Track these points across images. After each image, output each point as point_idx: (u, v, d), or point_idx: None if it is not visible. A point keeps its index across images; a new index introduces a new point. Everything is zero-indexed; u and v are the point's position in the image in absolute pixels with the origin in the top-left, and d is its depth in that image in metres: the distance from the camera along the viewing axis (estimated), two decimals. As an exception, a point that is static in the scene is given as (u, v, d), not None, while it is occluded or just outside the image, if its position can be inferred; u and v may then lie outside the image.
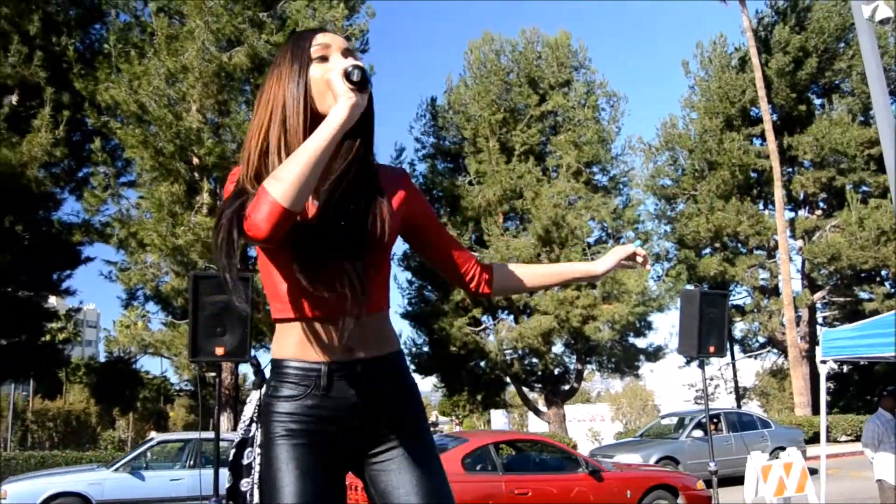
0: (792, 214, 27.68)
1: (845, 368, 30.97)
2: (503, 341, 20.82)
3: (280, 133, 1.62)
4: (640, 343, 23.06)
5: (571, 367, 23.47)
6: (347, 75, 1.55)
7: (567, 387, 23.37)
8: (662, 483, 8.98)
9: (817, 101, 27.83)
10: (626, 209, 22.31)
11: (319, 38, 1.68)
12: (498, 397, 25.19)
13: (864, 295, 26.44)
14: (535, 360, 22.05)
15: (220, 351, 6.30)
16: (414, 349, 22.82)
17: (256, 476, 1.71)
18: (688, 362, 27.35)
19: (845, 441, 20.99)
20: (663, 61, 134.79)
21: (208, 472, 10.13)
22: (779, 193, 24.41)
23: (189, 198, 16.44)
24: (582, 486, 8.12)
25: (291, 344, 1.70)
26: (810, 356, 23.48)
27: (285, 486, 1.61)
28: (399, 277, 25.90)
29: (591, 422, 27.75)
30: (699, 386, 29.77)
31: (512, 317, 22.33)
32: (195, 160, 16.46)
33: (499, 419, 35.20)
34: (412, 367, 22.89)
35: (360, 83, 1.54)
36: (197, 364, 9.22)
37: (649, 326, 22.51)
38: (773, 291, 27.11)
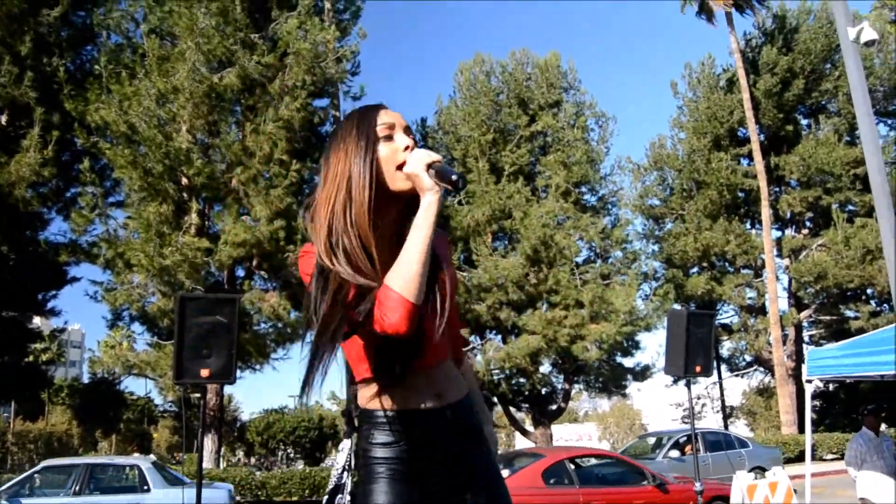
0: (779, 233, 27.89)
1: (831, 387, 31.08)
2: (490, 361, 20.81)
3: (347, 208, 1.69)
4: (628, 362, 23.12)
5: (559, 386, 23.47)
6: (440, 174, 1.67)
7: (554, 406, 23.34)
8: (721, 495, 9.50)
9: (804, 122, 28.10)
10: (615, 229, 22.41)
11: (383, 118, 1.77)
12: (486, 417, 25.13)
13: (850, 313, 26.59)
14: (522, 379, 22.02)
15: (205, 373, 6.29)
16: (401, 368, 22.77)
17: None
18: (675, 381, 27.35)
19: (831, 459, 21.00)
20: (652, 82, 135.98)
21: (94, 500, 10.00)
22: (766, 213, 24.58)
23: (177, 218, 16.44)
24: (650, 498, 8.63)
25: (382, 394, 1.77)
26: (797, 375, 23.52)
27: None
28: (388, 296, 25.88)
29: (579, 441, 27.66)
30: (686, 405, 29.78)
31: (500, 336, 22.32)
32: (184, 180, 16.48)
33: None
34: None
35: (457, 185, 1.68)
36: (182, 386, 9.18)
37: (637, 346, 22.56)
38: (760, 310, 27.22)
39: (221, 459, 18.26)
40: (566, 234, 21.01)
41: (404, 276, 1.59)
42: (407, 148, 1.73)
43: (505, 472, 7.96)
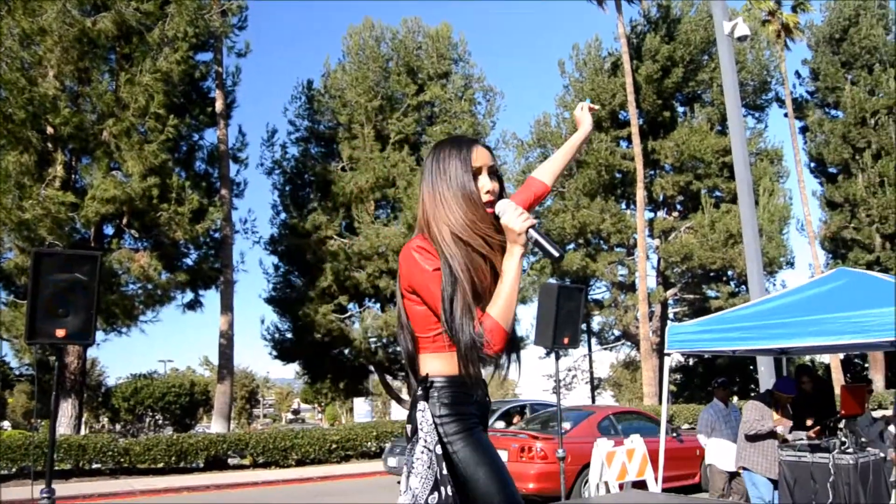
0: (651, 215, 29.07)
1: (691, 362, 32.97)
2: (368, 329, 20.81)
3: (465, 222, 2.02)
4: (503, 333, 23.59)
5: (436, 356, 23.73)
6: (541, 242, 2.00)
7: (431, 375, 23.63)
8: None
9: (680, 109, 29.30)
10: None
11: (476, 156, 2.07)
12: (361, 385, 25.18)
13: (711, 293, 28.12)
14: (399, 348, 22.11)
15: (61, 333, 5.91)
16: (277, 335, 22.41)
17: (447, 461, 2.00)
18: (547, 353, 28.23)
19: (687, 429, 22.28)
20: (541, 60, 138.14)
21: None
22: (640, 194, 25.55)
23: (40, 169, 15.46)
24: (671, 445, 9.85)
25: (452, 366, 2.05)
26: (660, 349, 24.76)
27: (488, 448, 2.06)
28: (265, 262, 25.41)
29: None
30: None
31: (378, 305, 22.34)
32: (49, 130, 15.48)
33: (361, 407, 35.16)
34: (274, 353, 22.62)
35: (553, 258, 2.05)
36: (38, 347, 8.67)
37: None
38: (630, 287, 28.40)
39: (83, 426, 17.47)
40: (449, 205, 21.17)
41: (505, 314, 1.95)
42: (489, 192, 2.04)
43: (566, 425, 10.36)
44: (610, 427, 10.86)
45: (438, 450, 1.96)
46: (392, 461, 12.79)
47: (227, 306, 19.74)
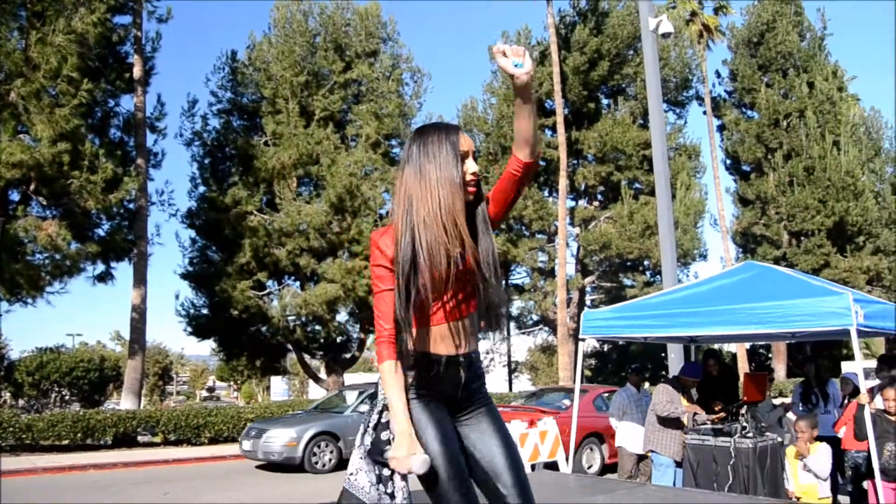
0: (573, 203, 29.55)
1: (606, 347, 33.80)
2: (287, 307, 20.53)
3: (442, 204, 2.20)
4: (424, 315, 23.60)
5: (354, 335, 23.63)
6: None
7: (348, 355, 23.52)
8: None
9: (605, 101, 29.78)
10: (421, 184, 22.68)
11: (463, 141, 2.26)
12: (278, 363, 24.84)
13: (627, 282, 28.85)
14: (318, 327, 21.94)
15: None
16: (192, 311, 21.87)
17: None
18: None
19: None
20: (470, 45, 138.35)
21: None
22: (563, 183, 25.91)
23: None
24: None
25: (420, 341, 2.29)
26: (576, 335, 25.20)
27: (426, 423, 2.25)
28: (181, 235, 24.74)
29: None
30: (476, 360, 31.03)
31: (298, 283, 22.06)
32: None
33: (278, 385, 34.77)
34: (189, 329, 22.09)
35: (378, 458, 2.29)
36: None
37: (432, 301, 23.11)
38: (550, 273, 28.85)
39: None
40: (373, 185, 21.02)
41: (387, 389, 2.25)
42: (474, 174, 2.25)
43: (567, 402, 12.16)
44: (602, 404, 12.30)
45: (383, 417, 2.27)
46: (247, 444, 12.80)
47: (140, 280, 19.17)
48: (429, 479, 2.19)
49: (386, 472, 2.25)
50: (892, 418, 6.03)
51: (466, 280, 2.27)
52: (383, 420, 2.27)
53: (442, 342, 2.28)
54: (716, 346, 31.92)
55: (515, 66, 2.09)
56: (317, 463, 12.41)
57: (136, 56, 19.50)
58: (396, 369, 2.21)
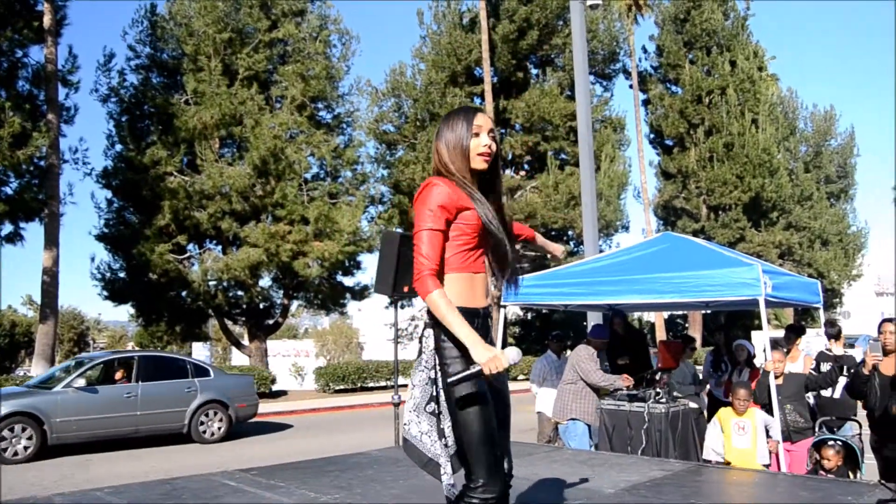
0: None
1: (529, 315, 34.29)
2: (208, 271, 20.05)
3: (459, 166, 2.54)
4: (348, 282, 23.49)
5: (277, 301, 23.31)
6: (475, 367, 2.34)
7: (272, 321, 23.21)
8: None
9: (534, 71, 29.87)
10: (347, 149, 22.39)
11: (478, 120, 2.58)
12: (199, 329, 24.31)
13: (551, 252, 29.20)
14: (240, 292, 21.54)
15: None
16: (109, 275, 21.16)
17: (441, 383, 2.43)
18: (391, 303, 28.46)
19: (522, 379, 23.23)
20: (399, 9, 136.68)
21: None
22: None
23: None
24: None
25: (458, 293, 2.48)
26: (500, 302, 25.55)
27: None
28: (97, 196, 23.87)
29: (296, 357, 27.91)
30: (400, 326, 31.14)
31: (220, 247, 21.56)
32: None
33: (200, 352, 34.11)
34: (105, 293, 21.38)
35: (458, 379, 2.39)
36: None
37: (358, 266, 22.97)
38: (477, 242, 28.97)
39: None
40: (298, 148, 20.62)
41: (438, 312, 2.39)
42: (486, 146, 2.55)
43: None
44: None
45: (432, 373, 2.44)
46: None
47: (51, 241, 18.39)
48: (465, 434, 2.39)
49: (432, 423, 2.46)
50: (779, 381, 6.29)
51: (483, 237, 2.53)
52: (434, 376, 2.45)
53: (478, 295, 2.54)
54: (635, 316, 32.78)
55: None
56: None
57: (47, 4, 18.50)
58: (445, 294, 2.36)
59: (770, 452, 6.06)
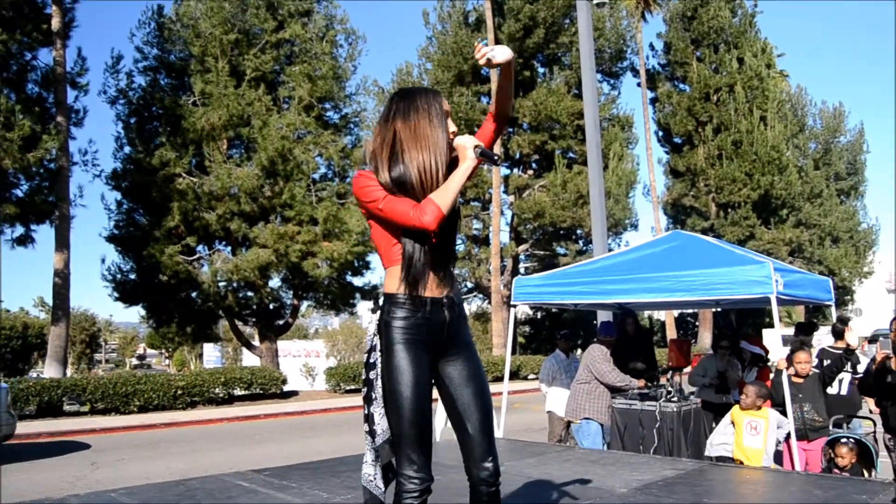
0: (507, 171, 29.68)
1: (539, 315, 34.27)
2: (218, 272, 20.09)
3: (429, 162, 2.45)
4: (358, 281, 23.50)
5: (287, 301, 23.34)
6: (482, 153, 2.48)
7: (282, 322, 23.24)
8: None
9: (540, 70, 29.85)
10: (355, 149, 22.37)
11: (444, 104, 2.54)
12: (210, 330, 24.35)
13: (560, 250, 29.23)
14: (250, 293, 21.57)
15: None
16: (119, 276, 21.23)
17: (379, 369, 2.46)
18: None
19: (532, 379, 23.22)
20: (405, 9, 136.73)
21: None
22: (498, 151, 25.93)
23: None
24: None
25: (401, 282, 2.45)
26: (510, 302, 25.52)
27: (404, 369, 2.40)
28: (107, 197, 23.96)
29: (307, 357, 27.95)
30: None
31: (229, 248, 21.61)
32: None
33: (211, 353, 34.27)
34: (115, 295, 21.45)
35: (493, 160, 2.54)
36: None
37: (367, 266, 22.98)
38: (484, 241, 29.03)
39: None
40: (305, 148, 20.64)
41: (446, 196, 2.39)
42: (453, 132, 2.52)
43: None
44: None
45: (371, 357, 2.49)
46: None
47: (62, 243, 18.48)
48: (394, 422, 2.41)
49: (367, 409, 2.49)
50: (799, 381, 6.24)
51: (444, 228, 2.48)
52: (371, 360, 2.50)
53: (429, 285, 2.47)
54: (645, 315, 32.72)
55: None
56: None
57: (55, 7, 18.57)
58: (431, 200, 2.38)
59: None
